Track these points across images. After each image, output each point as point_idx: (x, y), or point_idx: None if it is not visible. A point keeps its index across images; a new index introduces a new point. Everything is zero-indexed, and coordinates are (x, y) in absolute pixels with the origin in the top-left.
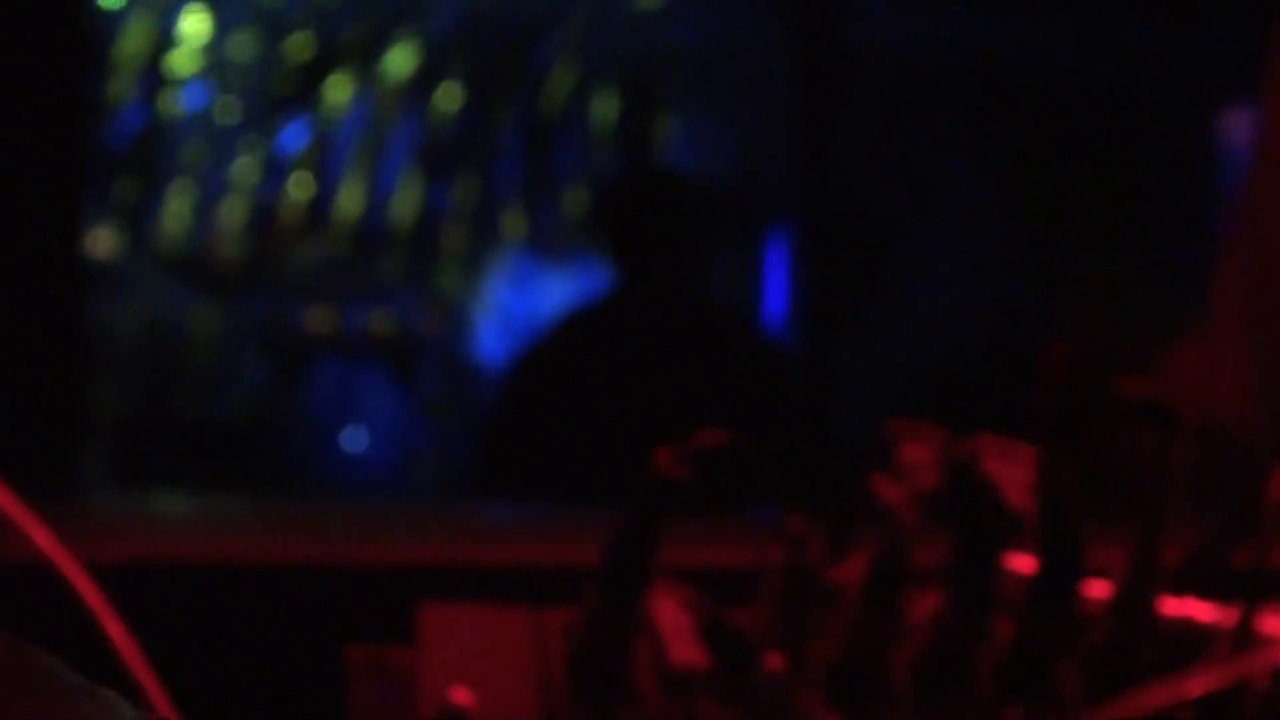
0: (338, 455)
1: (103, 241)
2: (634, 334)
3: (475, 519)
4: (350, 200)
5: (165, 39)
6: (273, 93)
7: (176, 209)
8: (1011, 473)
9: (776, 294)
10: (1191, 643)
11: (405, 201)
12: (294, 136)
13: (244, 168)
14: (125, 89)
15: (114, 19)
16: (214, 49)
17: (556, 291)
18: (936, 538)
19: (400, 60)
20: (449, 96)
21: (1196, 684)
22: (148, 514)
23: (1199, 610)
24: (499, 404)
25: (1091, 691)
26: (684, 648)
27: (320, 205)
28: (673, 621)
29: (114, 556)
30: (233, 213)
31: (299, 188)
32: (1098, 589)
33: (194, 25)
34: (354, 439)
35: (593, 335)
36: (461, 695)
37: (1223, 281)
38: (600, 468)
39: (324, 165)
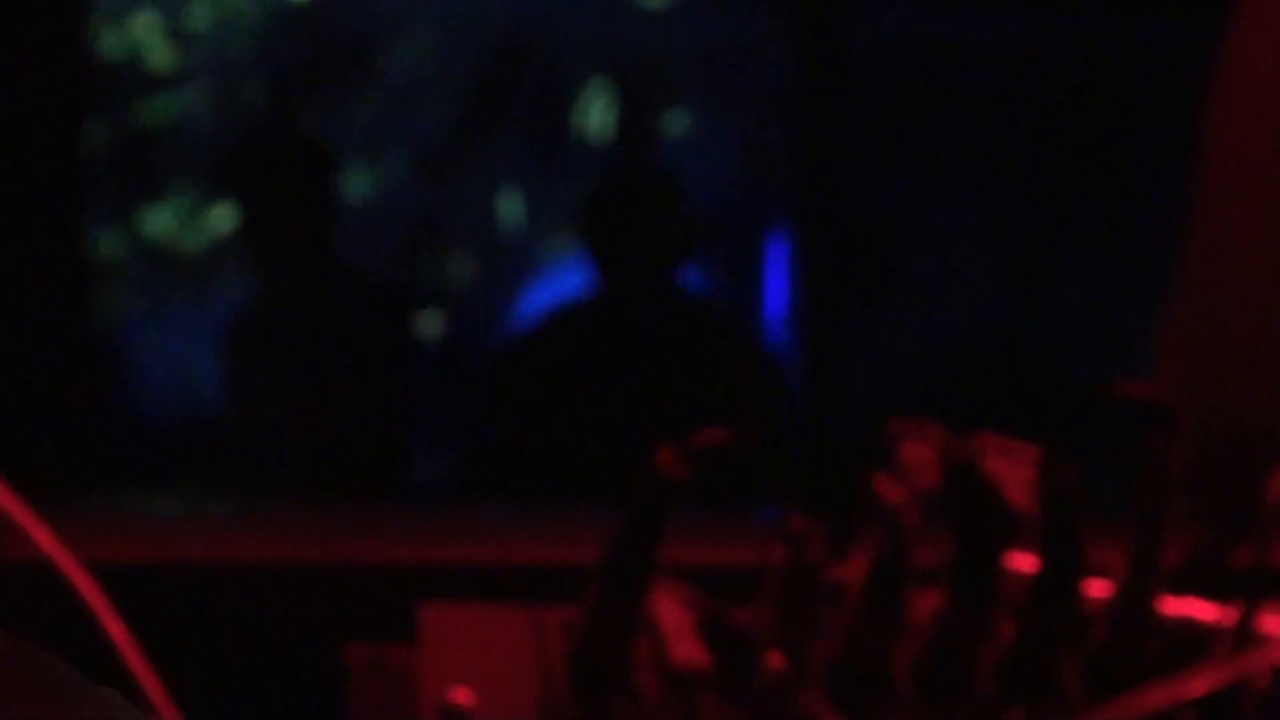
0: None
1: (104, 241)
2: (619, 332)
3: (475, 519)
4: (351, 197)
5: (163, 35)
6: (277, 90)
7: (175, 207)
8: (1012, 472)
9: (777, 294)
10: (1191, 643)
11: (406, 200)
12: (297, 133)
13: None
14: (123, 86)
15: (112, 16)
16: (216, 45)
17: (557, 291)
18: (937, 537)
19: (400, 61)
20: (450, 96)
21: (1196, 684)
22: (148, 514)
23: (1199, 610)
24: (484, 401)
25: (1092, 691)
26: (685, 646)
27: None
28: (674, 620)
29: (114, 556)
30: (234, 210)
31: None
32: (1098, 589)
33: (193, 22)
34: None
35: (576, 333)
36: (461, 695)
37: (1170, 325)
38: (584, 467)
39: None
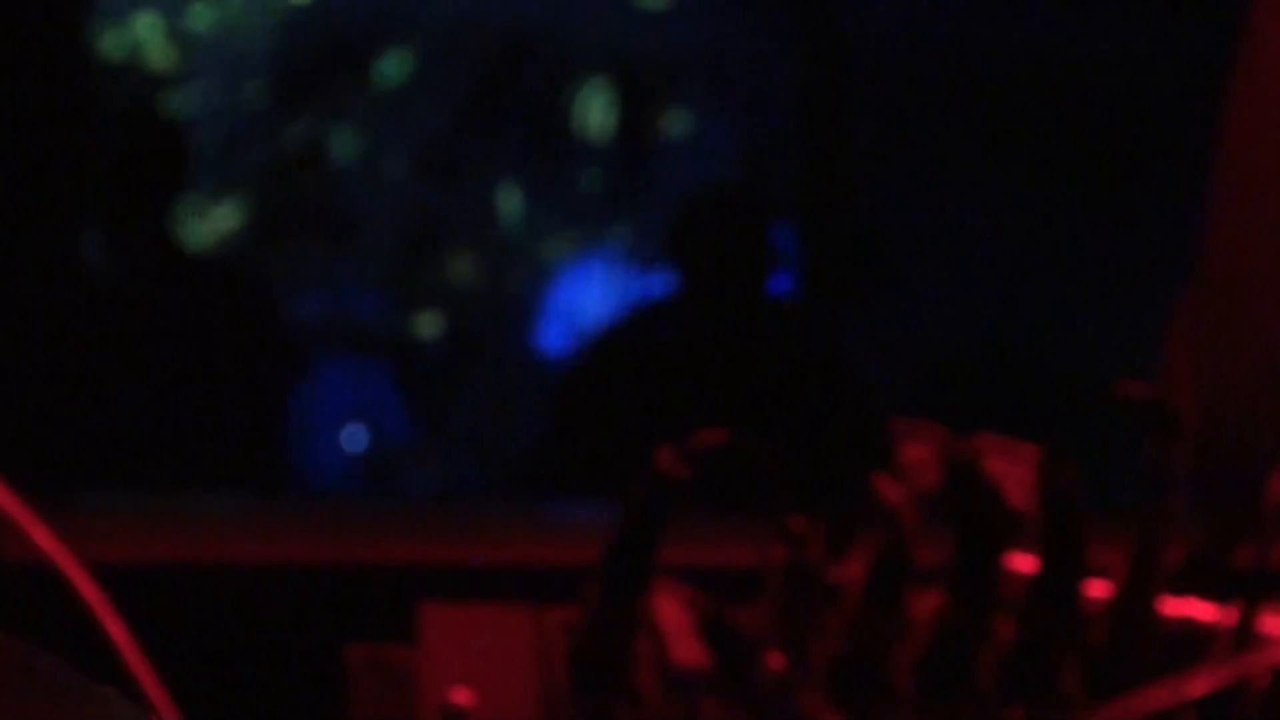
0: (338, 455)
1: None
2: (704, 338)
3: (475, 519)
4: (352, 197)
5: (166, 35)
6: (277, 90)
7: (176, 206)
8: (1012, 472)
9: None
10: (1191, 643)
11: (408, 200)
12: (297, 133)
13: (247, 165)
14: (124, 86)
15: (114, 17)
16: (216, 45)
17: (557, 291)
18: (937, 537)
19: (401, 61)
20: (450, 96)
21: (1196, 684)
22: (148, 514)
23: (1199, 610)
24: (560, 399)
25: (1092, 691)
26: (685, 646)
27: (322, 203)
28: (674, 620)
29: (114, 556)
30: (235, 210)
31: (301, 185)
32: (1098, 589)
33: (197, 22)
34: (354, 439)
35: (660, 336)
36: (461, 695)
37: (1179, 323)
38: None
39: (327, 163)
